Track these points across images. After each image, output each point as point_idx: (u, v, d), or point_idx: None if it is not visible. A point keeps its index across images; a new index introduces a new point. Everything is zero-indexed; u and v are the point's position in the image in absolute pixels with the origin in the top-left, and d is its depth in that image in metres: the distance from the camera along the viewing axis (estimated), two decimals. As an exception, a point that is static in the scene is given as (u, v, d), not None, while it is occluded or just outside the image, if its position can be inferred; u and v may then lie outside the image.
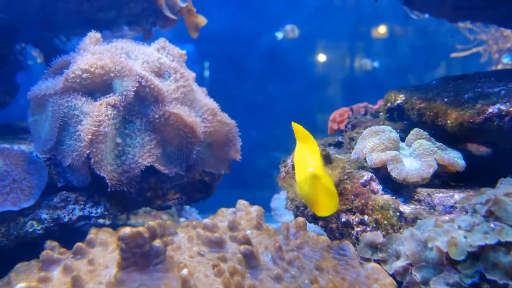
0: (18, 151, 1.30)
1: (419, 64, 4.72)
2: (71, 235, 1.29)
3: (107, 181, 1.28)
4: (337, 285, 0.98)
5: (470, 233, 0.89)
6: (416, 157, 1.18)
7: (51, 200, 1.31)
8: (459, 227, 0.92)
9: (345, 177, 1.24)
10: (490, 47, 3.65)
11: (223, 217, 1.27)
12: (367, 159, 1.21)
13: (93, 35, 1.52)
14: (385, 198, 1.15)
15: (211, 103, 1.56)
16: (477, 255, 0.86)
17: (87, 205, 1.35)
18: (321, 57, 4.85)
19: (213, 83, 4.78)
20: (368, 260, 1.06)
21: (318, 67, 4.91)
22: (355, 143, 1.33)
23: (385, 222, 1.10)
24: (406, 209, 1.10)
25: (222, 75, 4.81)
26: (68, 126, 1.30)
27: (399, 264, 0.98)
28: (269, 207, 2.38)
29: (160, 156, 1.40)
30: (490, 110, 1.11)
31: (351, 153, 1.31)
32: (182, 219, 2.55)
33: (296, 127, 1.20)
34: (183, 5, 2.03)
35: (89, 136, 1.24)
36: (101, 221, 1.36)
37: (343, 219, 1.17)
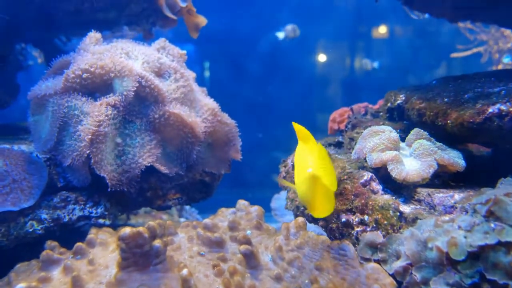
0: (18, 151, 1.30)
1: (419, 64, 4.72)
2: (71, 235, 1.29)
3: (107, 181, 1.28)
4: (337, 285, 0.98)
5: (470, 233, 0.89)
6: (416, 157, 1.18)
7: (51, 200, 1.31)
8: (459, 227, 0.92)
9: (345, 177, 1.24)
10: (491, 47, 3.65)
11: (223, 217, 1.27)
12: (367, 159, 1.21)
13: (93, 35, 1.52)
14: (385, 198, 1.15)
15: (211, 103, 1.56)
16: (477, 255, 0.86)
17: (87, 205, 1.35)
18: (321, 57, 4.86)
19: (213, 83, 4.79)
20: (368, 260, 1.06)
21: (318, 67, 4.91)
22: (355, 143, 1.33)
23: (385, 222, 1.10)
24: (406, 209, 1.10)
25: (222, 75, 4.81)
26: (68, 126, 1.30)
27: (399, 264, 0.98)
28: (269, 207, 2.38)
29: (160, 156, 1.41)
30: (490, 110, 1.11)
31: (351, 153, 1.31)
32: (182, 219, 2.56)
33: (297, 127, 1.19)
34: (183, 5, 2.03)
35: (89, 136, 1.24)
36: (101, 221, 1.36)
37: (343, 219, 1.17)
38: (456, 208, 1.06)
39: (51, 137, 1.29)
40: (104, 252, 1.11)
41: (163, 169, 1.40)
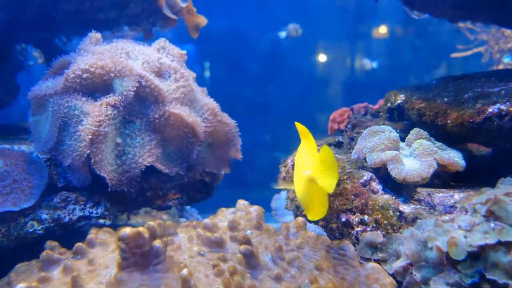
0: (18, 151, 1.30)
1: (420, 64, 4.72)
2: (71, 235, 1.29)
3: (107, 181, 1.28)
4: (337, 285, 0.98)
5: (470, 233, 0.89)
6: (416, 157, 1.18)
7: (52, 200, 1.31)
8: (459, 227, 0.92)
9: (345, 177, 1.24)
10: (491, 47, 3.64)
11: (223, 217, 1.27)
12: (367, 159, 1.21)
13: (94, 35, 1.52)
14: (385, 198, 1.15)
15: (211, 103, 1.56)
16: (477, 255, 0.86)
17: (88, 205, 1.35)
18: (321, 57, 4.86)
19: (213, 83, 4.79)
20: (368, 260, 1.06)
21: (318, 67, 4.91)
22: (355, 143, 1.33)
23: (385, 222, 1.10)
24: (406, 209, 1.10)
25: (222, 75, 4.81)
26: (68, 126, 1.30)
27: (399, 264, 0.98)
28: (269, 207, 2.38)
29: (161, 156, 1.41)
30: (490, 109, 1.11)
31: (351, 153, 1.31)
32: (182, 219, 2.56)
33: (299, 127, 1.19)
34: (184, 5, 2.03)
35: (89, 136, 1.24)
36: (101, 221, 1.36)
37: (343, 219, 1.17)
38: (456, 208, 1.06)
39: (51, 137, 1.29)
40: (104, 252, 1.11)
41: (163, 168, 1.40)
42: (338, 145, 1.73)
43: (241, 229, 1.18)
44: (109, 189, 1.30)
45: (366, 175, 1.20)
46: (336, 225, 1.19)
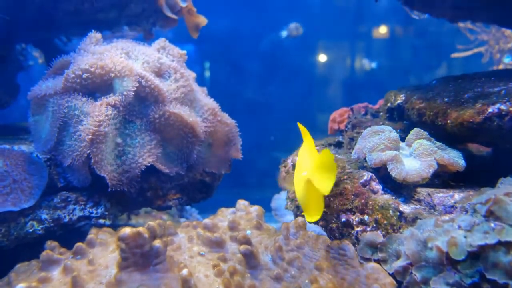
0: (18, 151, 1.30)
1: (420, 64, 4.71)
2: (71, 235, 1.29)
3: (107, 181, 1.28)
4: (337, 285, 0.98)
5: (470, 233, 0.89)
6: (416, 157, 1.18)
7: (52, 200, 1.31)
8: (459, 227, 0.92)
9: (345, 177, 1.24)
10: (492, 47, 3.64)
11: (223, 217, 1.27)
12: (367, 159, 1.21)
13: (94, 35, 1.52)
14: (385, 198, 1.15)
15: (212, 103, 1.56)
16: (477, 255, 0.86)
17: (88, 205, 1.35)
18: (321, 57, 4.86)
19: (213, 83, 4.79)
20: (368, 260, 1.06)
21: (318, 67, 4.91)
22: (355, 143, 1.33)
23: (385, 222, 1.10)
24: (406, 209, 1.10)
25: (222, 75, 4.81)
26: (69, 126, 1.30)
27: (399, 263, 0.98)
28: (269, 207, 2.38)
29: (161, 156, 1.41)
30: (490, 109, 1.11)
31: (351, 153, 1.31)
32: (182, 219, 2.56)
33: (301, 128, 1.19)
34: (184, 5, 2.03)
35: (90, 136, 1.24)
36: (101, 221, 1.36)
37: (343, 219, 1.17)
38: (456, 207, 1.06)
39: (51, 137, 1.29)
40: (104, 252, 1.11)
41: (164, 168, 1.40)
42: (338, 145, 1.73)
43: (241, 229, 1.18)
44: (109, 189, 1.30)
45: (366, 175, 1.20)
46: (336, 225, 1.19)
